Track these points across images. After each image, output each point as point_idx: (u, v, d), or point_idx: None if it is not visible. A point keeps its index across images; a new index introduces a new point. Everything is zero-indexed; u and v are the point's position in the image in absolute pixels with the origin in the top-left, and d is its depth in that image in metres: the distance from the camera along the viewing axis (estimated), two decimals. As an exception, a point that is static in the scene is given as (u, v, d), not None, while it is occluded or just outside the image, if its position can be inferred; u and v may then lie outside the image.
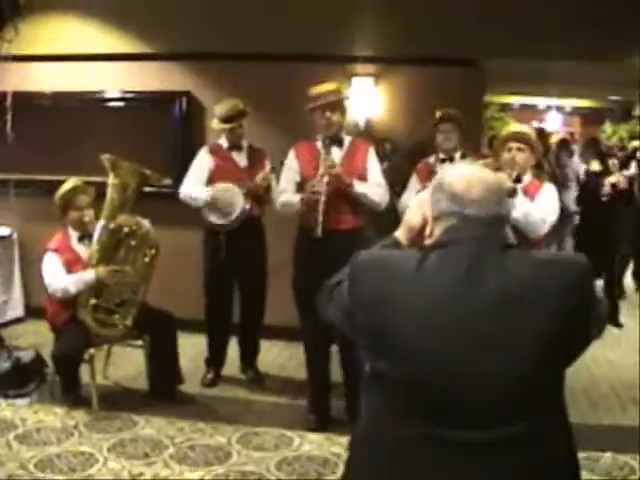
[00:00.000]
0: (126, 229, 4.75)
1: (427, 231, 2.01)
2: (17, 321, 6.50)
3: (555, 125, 16.80)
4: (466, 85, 5.85)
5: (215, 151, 5.20)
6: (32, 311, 6.53)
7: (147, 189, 4.93)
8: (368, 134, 6.02)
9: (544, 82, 10.04)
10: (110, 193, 4.75)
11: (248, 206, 5.06)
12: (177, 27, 6.06)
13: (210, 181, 5.14)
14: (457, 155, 5.09)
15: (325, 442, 4.44)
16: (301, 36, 5.94)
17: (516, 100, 14.88)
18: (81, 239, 4.81)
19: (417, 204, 2.11)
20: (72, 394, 4.78)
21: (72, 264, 4.70)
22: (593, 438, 4.25)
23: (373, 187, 4.49)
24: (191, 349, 5.62)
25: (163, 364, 4.93)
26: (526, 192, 4.10)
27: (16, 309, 6.52)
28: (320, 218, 4.34)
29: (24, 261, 6.59)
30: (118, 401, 4.91)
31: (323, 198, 4.35)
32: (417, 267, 1.86)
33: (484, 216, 1.89)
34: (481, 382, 1.80)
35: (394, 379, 1.87)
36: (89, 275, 4.63)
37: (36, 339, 6.01)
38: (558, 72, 8.04)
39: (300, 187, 4.56)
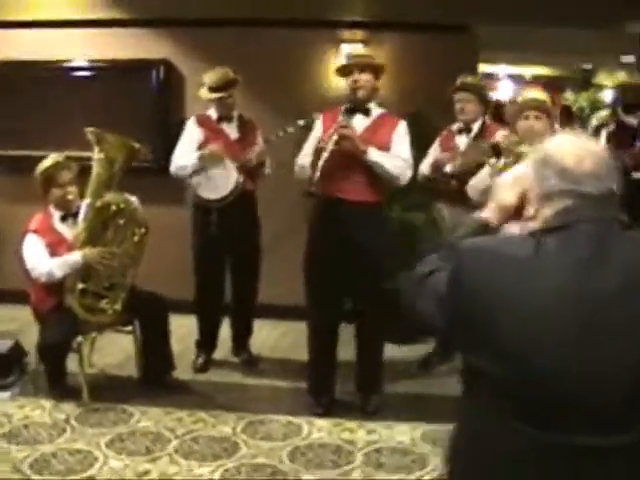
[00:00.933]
0: (114, 207, 4.42)
1: (529, 211, 1.78)
2: (-13, 307, 6.08)
3: (507, 94, 16.63)
4: (458, 52, 5.61)
5: (204, 122, 4.87)
6: (4, 296, 6.15)
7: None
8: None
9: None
10: (96, 169, 4.41)
11: (242, 180, 4.76)
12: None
13: None
14: (476, 126, 4.83)
15: (334, 428, 4.22)
16: (287, 1, 5.62)
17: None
18: (64, 219, 4.46)
19: (511, 181, 1.87)
20: (59, 386, 4.46)
21: (56, 246, 4.36)
22: None
23: (393, 159, 4.20)
24: (178, 332, 5.31)
25: (155, 350, 4.64)
26: None
27: (-15, 294, 6.09)
28: (317, 174, 4.05)
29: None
30: (107, 391, 4.59)
31: (326, 155, 4.07)
32: (534, 254, 1.63)
33: (600, 193, 1.67)
34: (607, 380, 1.59)
35: (503, 379, 1.64)
36: (75, 257, 4.29)
37: (10, 326, 5.64)
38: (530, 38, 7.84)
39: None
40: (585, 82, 14.64)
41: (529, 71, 16.30)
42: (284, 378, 4.95)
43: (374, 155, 4.15)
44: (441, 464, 3.72)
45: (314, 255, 4.35)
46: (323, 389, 4.48)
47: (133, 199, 4.49)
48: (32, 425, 4.14)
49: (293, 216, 5.55)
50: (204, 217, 4.83)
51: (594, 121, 10.68)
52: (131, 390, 4.63)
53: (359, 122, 4.27)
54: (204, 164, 4.70)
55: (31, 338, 4.95)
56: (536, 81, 17.25)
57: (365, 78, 4.23)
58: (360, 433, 4.18)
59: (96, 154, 4.41)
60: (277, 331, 5.80)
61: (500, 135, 3.89)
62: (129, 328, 4.71)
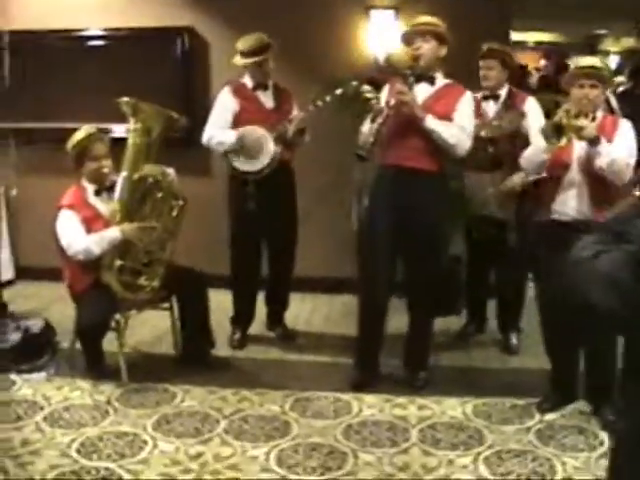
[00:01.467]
0: (151, 180, 4.25)
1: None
2: (7, 284, 5.90)
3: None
4: (491, 19, 5.44)
5: (238, 91, 4.70)
6: (23, 272, 6.00)
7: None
8: (388, 69, 5.59)
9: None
10: (132, 140, 4.23)
11: (279, 151, 4.60)
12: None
13: (235, 124, 4.65)
14: (502, 92, 4.72)
15: (385, 405, 4.10)
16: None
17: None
18: (98, 193, 4.29)
19: None
20: (98, 366, 4.34)
21: (92, 221, 4.20)
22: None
23: (451, 127, 4.05)
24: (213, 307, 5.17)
25: (194, 327, 4.50)
26: (603, 132, 3.73)
27: (6, 271, 5.92)
28: (370, 139, 3.94)
29: (13, 218, 6.00)
30: (145, 370, 4.45)
31: (380, 120, 3.95)
32: None
33: None
34: None
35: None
36: (114, 233, 4.13)
37: (30, 303, 5.53)
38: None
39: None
40: (591, 48, 14.47)
41: (532, 37, 16.12)
42: (324, 353, 4.83)
43: (432, 123, 4.00)
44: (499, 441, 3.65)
45: (370, 224, 4.24)
46: (370, 364, 4.37)
47: (170, 171, 4.33)
48: (73, 407, 4.01)
49: (326, 188, 5.42)
50: (240, 189, 4.67)
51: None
52: (170, 369, 4.50)
53: (422, 91, 4.11)
54: (242, 144, 4.55)
55: (55, 316, 4.87)
56: (538, 47, 17.14)
57: (427, 46, 4.06)
58: (411, 409, 4.06)
59: (132, 125, 4.23)
60: (308, 305, 5.69)
61: (561, 111, 3.71)
62: (166, 305, 4.55)
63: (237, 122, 4.65)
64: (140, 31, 5.60)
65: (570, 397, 4.07)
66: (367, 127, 4.06)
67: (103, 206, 4.27)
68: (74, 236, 4.11)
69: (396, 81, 4.16)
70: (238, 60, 4.63)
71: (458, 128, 4.07)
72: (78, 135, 4.26)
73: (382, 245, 4.13)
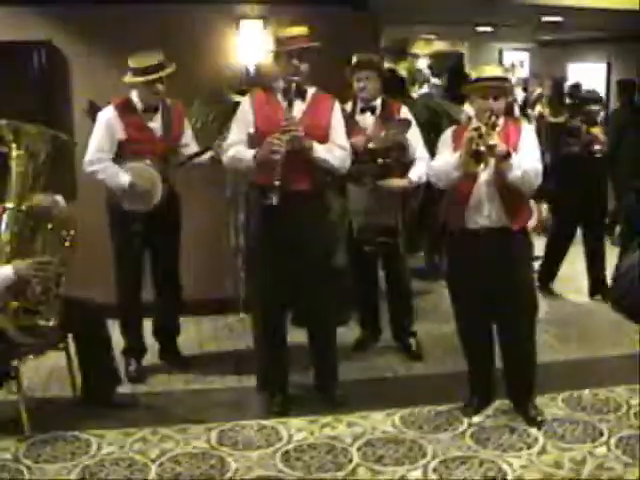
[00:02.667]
0: (40, 210, 3.87)
1: None
2: None
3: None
4: (359, 28, 5.49)
5: (124, 114, 4.40)
6: None
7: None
8: (258, 80, 5.48)
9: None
10: (16, 167, 3.82)
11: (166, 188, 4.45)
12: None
13: (120, 151, 4.40)
14: (377, 103, 4.76)
15: (313, 426, 3.99)
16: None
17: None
18: (-20, 228, 3.85)
19: None
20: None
21: (-25, 262, 3.76)
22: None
23: (334, 150, 4.01)
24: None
25: (96, 364, 4.15)
26: (508, 140, 3.77)
27: None
28: (277, 183, 3.84)
29: None
30: (45, 418, 4.01)
31: (281, 159, 3.85)
32: None
33: None
34: None
35: None
36: (6, 272, 3.71)
37: None
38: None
39: (252, 140, 4.01)
40: (401, 51, 15.04)
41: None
42: (225, 378, 4.63)
43: (319, 151, 3.96)
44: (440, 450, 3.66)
45: (262, 248, 4.14)
46: (278, 387, 4.25)
47: (59, 198, 3.97)
48: (-24, 471, 3.57)
49: (199, 205, 5.25)
50: (124, 222, 4.49)
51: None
52: (71, 413, 4.12)
53: (297, 107, 4.01)
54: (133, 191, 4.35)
55: None
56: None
57: (305, 64, 3.98)
58: (341, 427, 3.98)
59: (14, 151, 3.82)
60: (193, 327, 5.45)
61: (473, 132, 3.73)
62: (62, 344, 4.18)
63: (122, 149, 4.39)
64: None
65: (489, 397, 4.17)
66: (248, 154, 3.98)
67: (-13, 242, 3.83)
68: (-40, 278, 3.66)
69: (260, 95, 4.09)
70: (128, 78, 4.34)
71: (340, 149, 4.04)
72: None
73: (276, 264, 4.05)
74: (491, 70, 3.91)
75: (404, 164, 4.73)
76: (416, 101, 7.02)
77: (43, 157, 3.85)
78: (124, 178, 4.32)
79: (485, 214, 3.81)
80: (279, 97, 4.01)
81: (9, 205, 3.80)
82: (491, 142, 3.61)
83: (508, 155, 3.65)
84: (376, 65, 4.77)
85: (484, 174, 3.79)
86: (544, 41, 11.62)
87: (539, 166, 3.75)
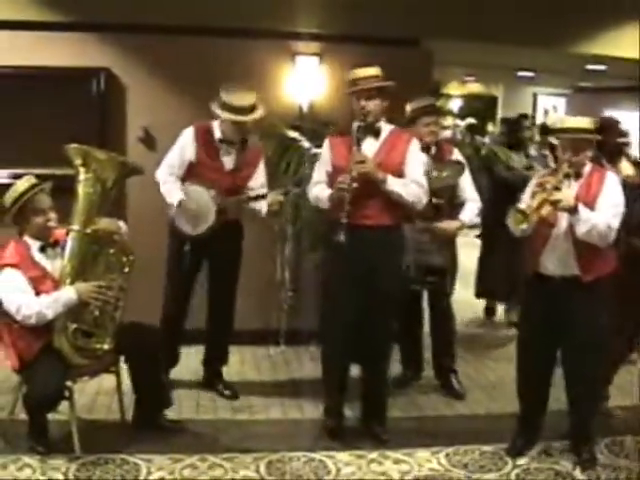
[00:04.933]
0: (104, 234, 3.95)
1: None
2: None
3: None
4: (412, 67, 5.58)
5: (201, 138, 4.53)
6: None
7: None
8: (311, 117, 5.58)
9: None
10: (83, 191, 3.91)
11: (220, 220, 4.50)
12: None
13: (188, 173, 4.55)
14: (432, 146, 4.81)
15: (360, 462, 4.01)
16: (240, 9, 5.29)
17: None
18: (43, 249, 3.92)
19: None
20: (44, 439, 3.92)
21: (39, 282, 3.80)
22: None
23: (409, 185, 4.06)
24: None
25: (148, 389, 4.18)
26: (589, 190, 3.78)
27: None
28: (345, 220, 3.90)
29: None
30: (94, 440, 4.05)
31: (348, 196, 3.91)
32: None
33: None
34: None
35: None
36: (69, 294, 3.78)
37: None
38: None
39: (331, 179, 4.10)
40: (434, 91, 15.16)
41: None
42: (271, 409, 4.67)
43: (393, 185, 4.01)
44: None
45: (336, 282, 4.17)
46: (336, 413, 4.33)
47: (122, 224, 4.05)
48: (29, 489, 3.60)
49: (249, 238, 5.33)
50: (178, 246, 4.61)
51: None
52: (119, 436, 4.15)
53: (370, 145, 4.09)
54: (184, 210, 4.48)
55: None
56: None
57: (373, 103, 4.04)
58: (387, 464, 4.00)
59: (82, 174, 3.91)
60: (236, 357, 5.48)
61: (536, 187, 3.78)
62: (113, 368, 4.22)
63: (190, 172, 4.52)
64: (52, 70, 5.20)
65: (535, 439, 4.17)
66: (319, 190, 4.10)
67: (49, 264, 3.90)
68: (24, 299, 3.72)
69: (339, 139, 4.16)
70: (222, 113, 4.39)
71: (415, 184, 4.09)
72: (19, 187, 3.87)
73: (347, 301, 4.10)
74: (573, 122, 3.89)
75: (455, 205, 4.81)
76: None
77: (110, 183, 3.94)
78: (176, 196, 4.43)
79: (557, 262, 3.83)
80: (352, 136, 4.07)
81: (75, 227, 3.88)
82: (554, 197, 3.66)
83: (575, 209, 3.66)
84: (439, 110, 4.86)
85: (562, 224, 3.81)
86: (581, 87, 11.68)
87: (613, 222, 3.70)
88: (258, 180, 4.63)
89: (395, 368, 5.16)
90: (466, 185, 4.84)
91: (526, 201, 3.84)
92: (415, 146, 4.19)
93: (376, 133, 4.10)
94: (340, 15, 5.49)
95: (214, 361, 4.90)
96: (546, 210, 3.69)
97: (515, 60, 8.51)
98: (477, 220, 4.87)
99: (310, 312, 5.40)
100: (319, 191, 4.13)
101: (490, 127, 11.85)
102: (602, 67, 7.50)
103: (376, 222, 4.05)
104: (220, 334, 4.86)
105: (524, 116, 7.53)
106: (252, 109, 4.40)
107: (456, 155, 4.89)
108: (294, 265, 5.63)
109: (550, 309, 3.86)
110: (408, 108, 4.79)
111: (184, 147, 4.49)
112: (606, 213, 3.70)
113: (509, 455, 4.08)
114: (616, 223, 3.71)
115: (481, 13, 5.72)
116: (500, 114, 13.51)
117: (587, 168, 3.85)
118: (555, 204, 3.65)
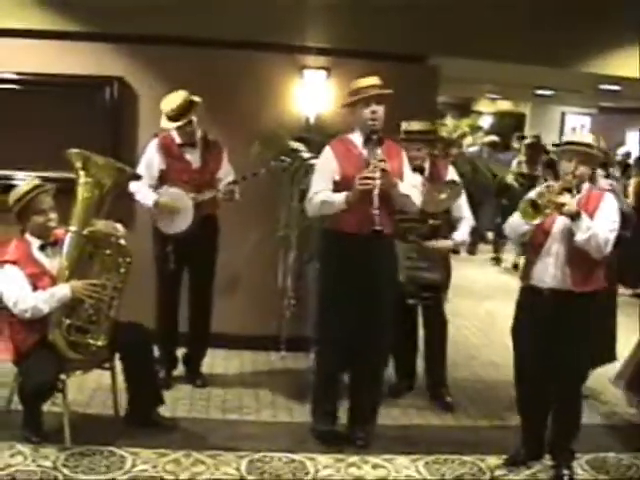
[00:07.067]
0: (101, 236, 4.13)
1: None
2: None
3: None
4: (419, 83, 5.69)
5: (165, 147, 4.87)
6: None
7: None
8: (318, 129, 5.71)
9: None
10: (82, 194, 4.10)
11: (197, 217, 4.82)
12: (110, 3, 5.33)
13: (161, 180, 4.88)
14: (426, 163, 4.92)
15: (339, 465, 4.12)
16: (249, 23, 5.47)
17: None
18: (42, 248, 4.11)
19: None
20: (38, 429, 4.10)
21: (37, 278, 4.01)
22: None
23: (411, 189, 4.20)
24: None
25: (140, 385, 4.34)
26: (587, 205, 3.87)
27: None
28: (376, 211, 3.95)
29: None
30: (86, 432, 4.22)
31: (376, 190, 3.96)
32: None
33: None
34: None
35: None
36: (64, 291, 3.97)
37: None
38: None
39: (338, 188, 4.17)
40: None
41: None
42: (261, 411, 4.81)
43: (403, 188, 4.14)
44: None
45: (338, 289, 4.27)
46: (331, 420, 4.46)
47: (119, 226, 4.22)
48: (19, 474, 3.76)
49: (250, 244, 5.49)
50: (161, 246, 4.90)
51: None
52: (111, 430, 4.31)
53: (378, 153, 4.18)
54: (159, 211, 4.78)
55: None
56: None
57: (382, 110, 4.17)
58: (366, 468, 4.11)
59: (82, 178, 4.10)
60: (229, 360, 5.66)
61: (543, 187, 3.89)
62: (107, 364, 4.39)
63: (163, 178, 4.83)
64: (67, 78, 5.42)
65: (541, 451, 4.23)
66: (338, 197, 4.11)
67: (48, 262, 4.09)
68: (21, 293, 3.91)
69: (340, 144, 4.26)
70: (164, 123, 4.75)
71: (415, 189, 4.24)
72: (23, 188, 4.08)
73: (346, 308, 4.21)
74: (580, 136, 3.99)
75: (450, 224, 4.91)
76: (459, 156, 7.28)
77: (108, 187, 4.12)
78: (151, 197, 4.76)
79: (551, 273, 3.91)
80: (358, 144, 4.20)
81: (72, 228, 4.07)
82: (560, 200, 3.75)
83: (577, 215, 3.75)
84: (429, 134, 4.94)
85: (556, 235, 3.91)
86: (604, 107, 11.69)
87: (610, 235, 3.79)
88: (225, 169, 4.96)
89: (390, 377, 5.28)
90: (462, 203, 4.94)
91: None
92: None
93: (380, 142, 4.18)
94: (348, 30, 5.63)
95: (194, 355, 5.18)
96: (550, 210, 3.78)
97: (535, 78, 8.57)
98: (468, 239, 5.01)
99: (312, 319, 5.51)
100: (330, 196, 4.13)
101: (515, 144, 11.87)
102: (616, 87, 7.53)
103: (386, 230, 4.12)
104: (201, 327, 5.14)
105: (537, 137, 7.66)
106: (187, 110, 4.69)
107: (452, 175, 4.97)
108: (296, 273, 5.74)
109: (539, 322, 3.93)
110: (403, 127, 4.90)
111: (151, 159, 4.84)
112: (604, 226, 3.79)
113: (506, 465, 4.15)
114: (612, 237, 3.80)
115: (490, 30, 5.79)
116: (527, 131, 13.55)
117: (586, 186, 3.95)
118: (560, 207, 3.74)
